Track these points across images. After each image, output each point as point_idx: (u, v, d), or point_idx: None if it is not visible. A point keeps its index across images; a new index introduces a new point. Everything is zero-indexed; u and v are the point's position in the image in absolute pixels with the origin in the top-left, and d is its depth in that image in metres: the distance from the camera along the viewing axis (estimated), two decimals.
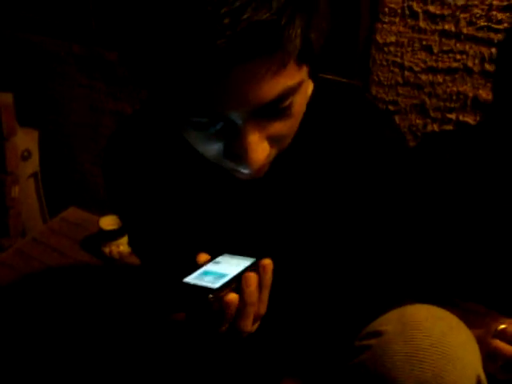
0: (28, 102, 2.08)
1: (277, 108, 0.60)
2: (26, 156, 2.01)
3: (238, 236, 0.82)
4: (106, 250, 1.84)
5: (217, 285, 0.63)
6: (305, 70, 0.62)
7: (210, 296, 0.62)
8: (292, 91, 0.60)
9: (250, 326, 0.68)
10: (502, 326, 0.87)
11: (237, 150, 0.62)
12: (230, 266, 0.69)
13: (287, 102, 0.60)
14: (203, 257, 0.71)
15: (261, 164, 0.63)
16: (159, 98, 0.61)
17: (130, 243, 0.98)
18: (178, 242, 0.84)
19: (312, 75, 0.75)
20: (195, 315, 0.66)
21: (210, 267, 0.69)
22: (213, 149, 0.64)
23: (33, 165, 2.06)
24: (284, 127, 0.64)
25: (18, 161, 1.98)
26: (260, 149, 0.62)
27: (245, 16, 0.50)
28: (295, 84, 0.60)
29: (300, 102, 0.64)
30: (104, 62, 1.84)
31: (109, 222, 1.84)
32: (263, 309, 0.70)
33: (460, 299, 1.01)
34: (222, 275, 0.66)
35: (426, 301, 0.85)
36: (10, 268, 1.83)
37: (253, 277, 0.66)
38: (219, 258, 0.72)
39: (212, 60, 0.52)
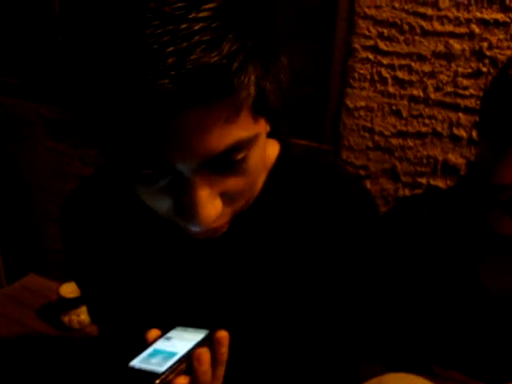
0: None
1: (229, 161, 0.56)
2: None
3: (195, 301, 0.76)
4: (66, 319, 1.75)
5: (164, 368, 0.57)
6: (262, 124, 0.59)
7: (157, 382, 0.55)
8: (246, 144, 0.55)
9: None
10: None
11: (186, 206, 0.57)
12: (181, 342, 0.62)
13: (240, 155, 0.56)
14: (153, 333, 0.64)
15: (211, 221, 0.57)
16: (106, 147, 0.57)
17: (88, 310, 0.92)
18: (134, 307, 0.79)
19: (276, 135, 0.73)
20: None
21: (159, 345, 0.62)
22: (163, 204, 0.59)
23: None
24: (239, 184, 0.59)
25: None
26: (211, 205, 0.57)
27: (192, 57, 0.46)
28: (249, 137, 0.55)
29: (257, 158, 0.59)
30: (72, 124, 1.82)
31: (69, 290, 1.75)
32: None
33: (440, 367, 0.97)
34: (172, 354, 0.59)
35: (401, 369, 0.80)
36: None
37: (204, 354, 0.60)
38: (171, 333, 0.64)
39: (155, 102, 0.48)
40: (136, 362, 0.59)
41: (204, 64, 0.47)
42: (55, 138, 1.89)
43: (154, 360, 0.59)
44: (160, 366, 0.58)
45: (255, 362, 0.78)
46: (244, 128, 0.54)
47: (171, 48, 0.46)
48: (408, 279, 1.00)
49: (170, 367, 0.57)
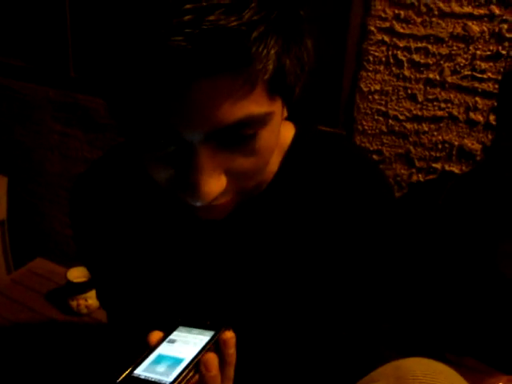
0: None
1: (238, 136, 0.53)
2: None
3: (203, 285, 0.75)
4: (74, 303, 1.74)
5: (171, 377, 0.54)
6: (278, 105, 0.56)
7: None
8: (258, 121, 0.53)
9: None
10: None
11: (188, 179, 0.54)
12: (186, 346, 0.59)
13: (250, 131, 0.53)
14: (155, 336, 0.61)
15: (212, 198, 0.55)
16: (115, 106, 0.55)
17: (97, 294, 0.90)
18: (142, 291, 0.77)
19: (291, 117, 0.70)
20: None
21: (163, 349, 0.59)
22: (166, 175, 0.57)
23: (0, 213, 1.97)
24: (246, 163, 0.56)
25: None
26: (213, 181, 0.54)
27: (210, 18, 0.44)
28: (262, 113, 0.53)
29: (268, 140, 0.57)
30: (81, 108, 1.80)
31: (77, 274, 1.74)
32: None
33: (455, 354, 0.95)
34: (178, 361, 0.57)
35: (416, 355, 0.79)
36: None
37: (212, 359, 0.57)
38: (174, 335, 0.62)
39: (167, 61, 0.46)
40: (140, 371, 0.56)
41: (221, 27, 0.45)
42: (64, 121, 1.87)
43: (159, 368, 0.56)
44: (166, 375, 0.55)
45: (265, 352, 0.77)
46: (257, 103, 0.52)
47: (189, 5, 0.44)
48: (423, 264, 0.99)
49: (178, 377, 0.55)
